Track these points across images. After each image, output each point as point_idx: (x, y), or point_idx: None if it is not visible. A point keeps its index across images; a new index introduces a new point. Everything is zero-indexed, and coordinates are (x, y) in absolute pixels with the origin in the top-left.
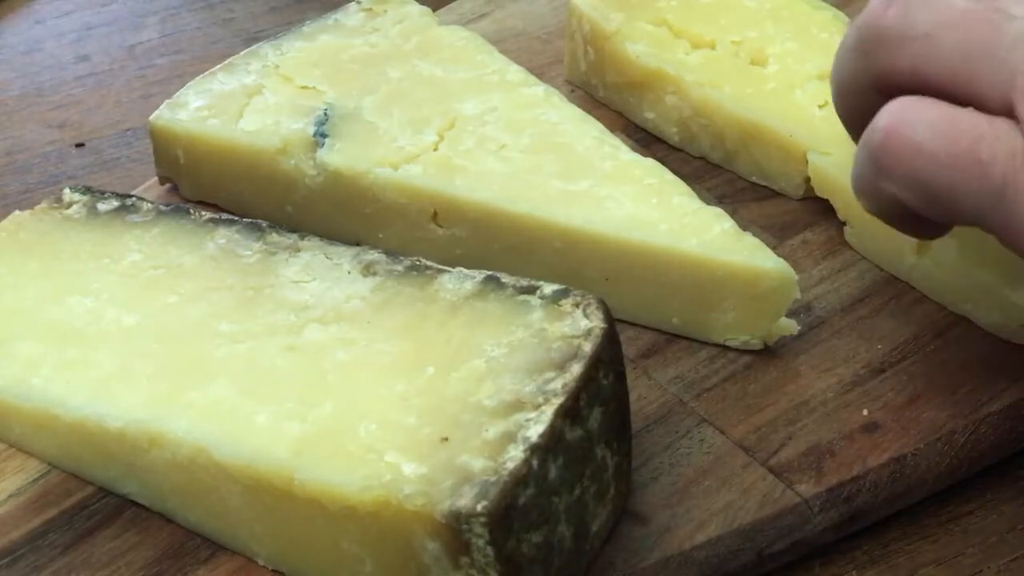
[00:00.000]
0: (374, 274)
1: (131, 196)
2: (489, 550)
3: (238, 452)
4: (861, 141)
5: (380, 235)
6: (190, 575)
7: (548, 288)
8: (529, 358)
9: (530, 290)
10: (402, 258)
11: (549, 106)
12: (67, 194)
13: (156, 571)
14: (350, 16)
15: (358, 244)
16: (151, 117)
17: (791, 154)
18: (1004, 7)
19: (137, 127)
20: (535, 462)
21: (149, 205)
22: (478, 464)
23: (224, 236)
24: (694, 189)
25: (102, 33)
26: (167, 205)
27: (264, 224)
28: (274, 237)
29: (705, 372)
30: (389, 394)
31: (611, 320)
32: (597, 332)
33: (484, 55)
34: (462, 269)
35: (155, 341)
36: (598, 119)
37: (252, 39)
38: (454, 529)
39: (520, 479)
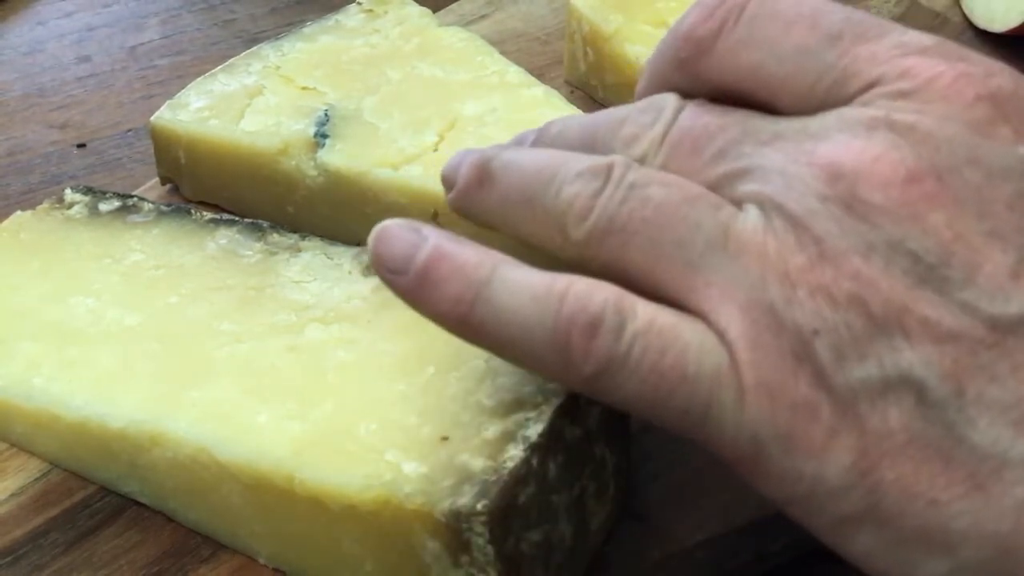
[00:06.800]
0: (375, 274)
1: (132, 196)
2: (489, 549)
3: (239, 451)
4: None
5: None
6: (191, 574)
7: None
8: None
9: None
10: None
11: (549, 107)
12: (68, 194)
13: (157, 570)
14: (350, 17)
15: (359, 244)
16: (152, 118)
17: None
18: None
19: (138, 127)
20: (535, 461)
21: (150, 205)
22: (478, 463)
23: (225, 236)
24: None
25: (103, 34)
26: (168, 205)
27: (265, 224)
28: (275, 237)
29: None
30: (389, 394)
31: None
32: None
33: (484, 56)
34: None
35: (156, 341)
36: None
37: (253, 40)
38: (454, 528)
39: (520, 478)
